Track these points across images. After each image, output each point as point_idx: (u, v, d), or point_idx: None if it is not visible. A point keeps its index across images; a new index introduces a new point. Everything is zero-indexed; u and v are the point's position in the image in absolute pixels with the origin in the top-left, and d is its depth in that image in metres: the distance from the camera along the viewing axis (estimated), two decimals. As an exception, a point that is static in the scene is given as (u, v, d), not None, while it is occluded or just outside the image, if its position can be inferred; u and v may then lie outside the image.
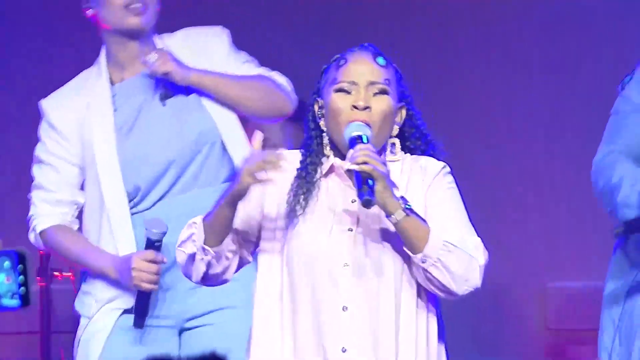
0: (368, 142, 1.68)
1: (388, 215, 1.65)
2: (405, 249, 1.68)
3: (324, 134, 1.78)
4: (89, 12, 2.21)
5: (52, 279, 2.87)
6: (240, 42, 2.33)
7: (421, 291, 1.72)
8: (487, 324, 2.57)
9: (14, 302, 1.01)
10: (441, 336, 1.78)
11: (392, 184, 1.67)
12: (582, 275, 4.07)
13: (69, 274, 2.81)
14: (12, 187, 3.71)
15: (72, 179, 2.19)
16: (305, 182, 1.75)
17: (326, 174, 1.78)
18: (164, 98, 2.21)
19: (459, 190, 1.80)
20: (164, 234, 2.09)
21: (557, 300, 4.05)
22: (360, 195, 1.63)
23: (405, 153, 1.81)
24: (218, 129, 2.19)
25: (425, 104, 1.86)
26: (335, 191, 1.77)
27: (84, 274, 2.26)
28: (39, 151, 2.22)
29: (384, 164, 1.69)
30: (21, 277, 1.00)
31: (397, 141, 1.80)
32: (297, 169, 1.77)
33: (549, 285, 4.06)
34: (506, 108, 4.31)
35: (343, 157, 1.74)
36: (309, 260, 1.70)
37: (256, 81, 2.22)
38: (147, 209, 2.17)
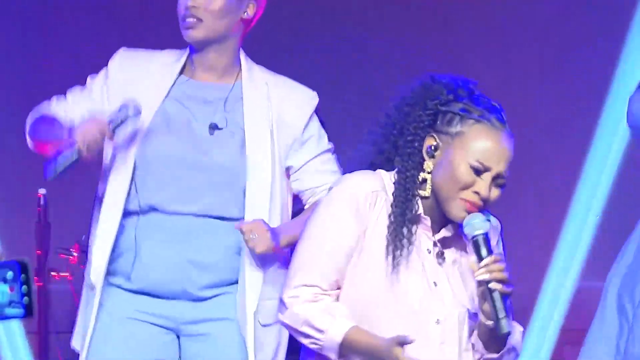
0: (489, 245, 1.62)
1: (494, 329, 1.59)
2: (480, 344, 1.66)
3: (423, 174, 1.68)
4: None
5: (49, 280, 2.88)
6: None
7: None
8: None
9: (18, 311, 1.02)
10: None
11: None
12: (579, 276, 4.10)
13: (66, 273, 2.80)
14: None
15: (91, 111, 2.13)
16: (404, 227, 1.66)
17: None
18: (214, 128, 2.14)
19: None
20: (137, 115, 2.01)
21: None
22: (498, 329, 1.57)
23: None
24: (247, 176, 2.12)
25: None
26: (420, 239, 1.69)
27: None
28: (88, 80, 2.16)
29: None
30: (24, 286, 1.01)
31: None
32: (395, 206, 1.67)
33: (543, 286, 4.09)
34: (509, 108, 4.30)
35: (433, 215, 1.69)
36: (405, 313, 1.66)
37: None
38: (144, 214, 2.12)
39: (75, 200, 3.02)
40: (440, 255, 1.70)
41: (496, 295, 1.57)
